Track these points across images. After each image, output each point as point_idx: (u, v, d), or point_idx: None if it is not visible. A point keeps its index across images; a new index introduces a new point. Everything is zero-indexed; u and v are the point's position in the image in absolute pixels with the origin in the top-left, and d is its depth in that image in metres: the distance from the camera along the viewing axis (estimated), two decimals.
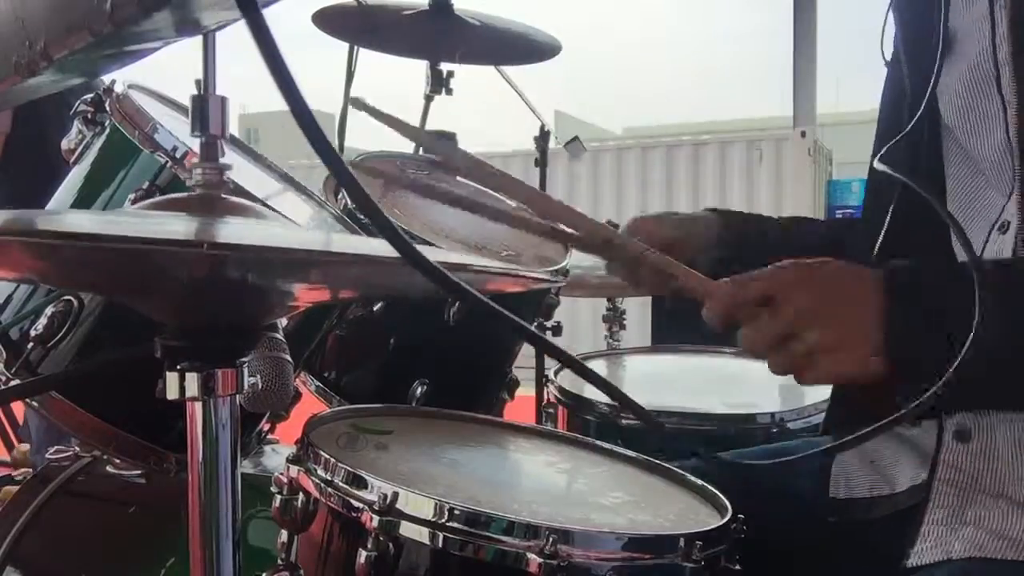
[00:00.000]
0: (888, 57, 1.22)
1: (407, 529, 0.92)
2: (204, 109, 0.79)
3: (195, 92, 0.79)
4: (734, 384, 1.88)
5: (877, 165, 1.11)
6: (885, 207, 1.14)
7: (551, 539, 0.88)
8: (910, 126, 1.11)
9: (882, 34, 1.21)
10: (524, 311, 1.69)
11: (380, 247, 0.67)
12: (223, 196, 0.81)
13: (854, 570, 1.15)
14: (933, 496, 1.06)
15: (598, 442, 1.28)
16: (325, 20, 2.10)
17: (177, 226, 0.74)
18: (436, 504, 0.92)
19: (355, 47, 2.30)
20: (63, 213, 1.06)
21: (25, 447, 2.76)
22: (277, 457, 1.55)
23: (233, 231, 0.74)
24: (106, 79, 1.29)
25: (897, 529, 1.09)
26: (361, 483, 0.96)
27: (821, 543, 1.17)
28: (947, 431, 1.06)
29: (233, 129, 0.84)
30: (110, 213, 1.04)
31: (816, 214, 8.46)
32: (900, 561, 1.05)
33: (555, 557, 0.87)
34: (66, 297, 1.20)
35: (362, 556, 0.91)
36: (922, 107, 1.10)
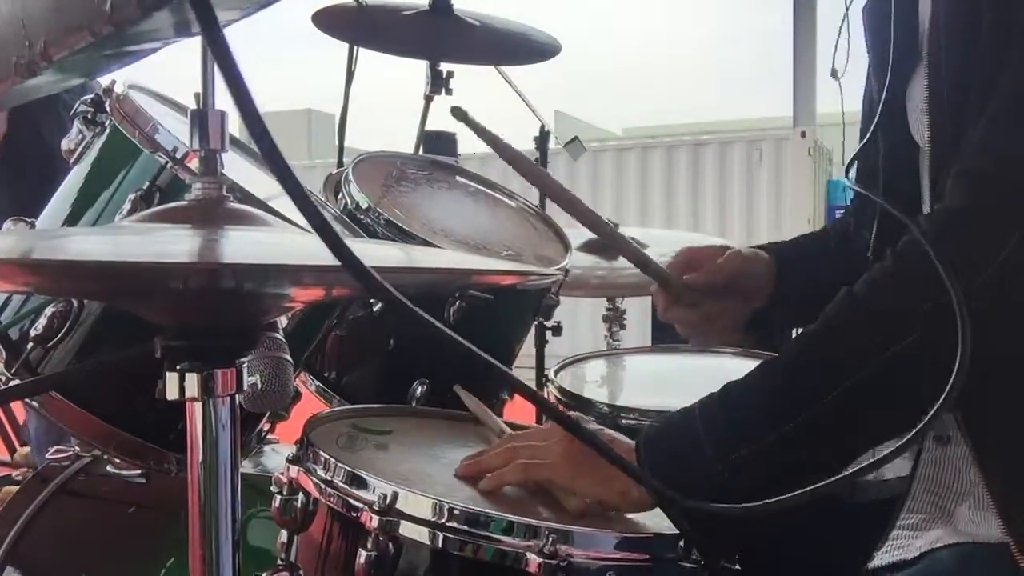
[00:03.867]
0: (841, 71, 1.21)
1: (407, 529, 0.92)
2: (204, 123, 0.79)
3: (194, 107, 0.79)
4: None
5: (847, 179, 1.12)
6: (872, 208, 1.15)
7: (551, 539, 0.88)
8: (866, 138, 1.14)
9: (835, 46, 1.20)
10: (524, 311, 1.69)
11: (378, 253, 0.66)
12: (223, 203, 0.81)
13: (821, 567, 1.16)
14: (908, 501, 1.07)
15: None
16: (325, 20, 2.10)
17: (179, 246, 0.75)
18: (436, 504, 0.92)
19: (355, 47, 2.30)
20: (62, 236, 1.06)
21: (26, 450, 2.77)
22: (277, 457, 1.55)
23: (233, 248, 0.74)
24: (106, 79, 1.29)
25: (868, 528, 1.09)
26: (361, 483, 0.97)
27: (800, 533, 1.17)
28: (927, 436, 1.07)
29: (233, 129, 0.84)
30: (109, 231, 1.04)
31: (816, 214, 8.46)
32: (865, 562, 1.06)
33: (555, 557, 0.87)
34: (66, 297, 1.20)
35: (362, 556, 0.91)
36: (875, 120, 1.12)
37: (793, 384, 0.96)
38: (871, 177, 1.16)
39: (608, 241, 1.33)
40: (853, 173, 1.17)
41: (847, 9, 1.18)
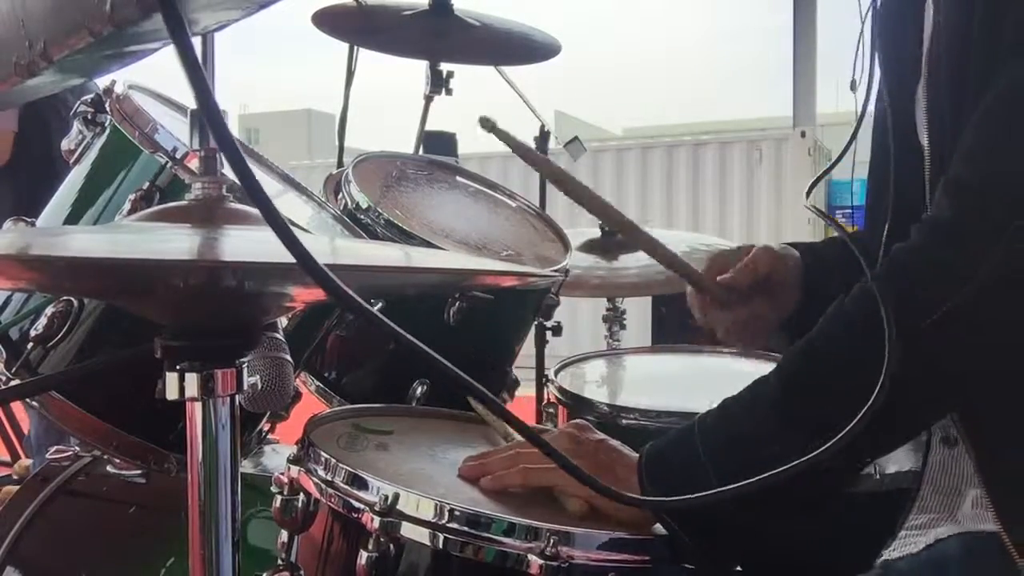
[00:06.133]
0: (862, 80, 1.22)
1: (408, 530, 0.92)
2: (203, 122, 0.79)
3: (194, 107, 0.79)
4: (733, 384, 1.88)
5: (806, 204, 1.12)
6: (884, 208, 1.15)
7: (552, 540, 0.88)
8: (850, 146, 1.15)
9: (855, 57, 1.20)
10: (524, 311, 1.69)
11: (378, 254, 0.66)
12: (223, 203, 0.81)
13: (830, 565, 1.16)
14: (918, 502, 1.08)
15: None
16: (325, 20, 2.10)
17: (178, 243, 0.75)
18: (437, 505, 0.92)
19: (355, 47, 2.30)
20: (63, 234, 1.06)
21: (27, 462, 2.77)
22: (277, 457, 1.55)
23: (233, 245, 0.74)
24: (106, 79, 1.29)
25: (876, 527, 1.10)
26: (362, 484, 0.96)
27: (804, 526, 1.17)
28: (935, 435, 1.07)
29: (233, 130, 0.84)
30: (110, 229, 1.04)
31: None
32: (874, 558, 1.07)
33: (556, 558, 0.87)
34: (66, 297, 1.20)
35: (363, 557, 0.91)
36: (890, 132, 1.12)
37: (788, 401, 0.97)
38: (884, 182, 1.16)
39: (639, 243, 1.33)
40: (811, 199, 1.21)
41: (863, 21, 1.18)
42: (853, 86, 1.22)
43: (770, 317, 1.29)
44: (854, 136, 1.18)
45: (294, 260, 0.55)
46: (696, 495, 0.87)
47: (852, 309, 0.96)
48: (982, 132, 0.94)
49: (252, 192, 0.54)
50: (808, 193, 1.15)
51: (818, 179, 1.21)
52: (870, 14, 1.17)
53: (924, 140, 1.06)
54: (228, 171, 0.84)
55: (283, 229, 0.54)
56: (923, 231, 0.96)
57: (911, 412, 0.96)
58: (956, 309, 0.89)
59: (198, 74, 0.52)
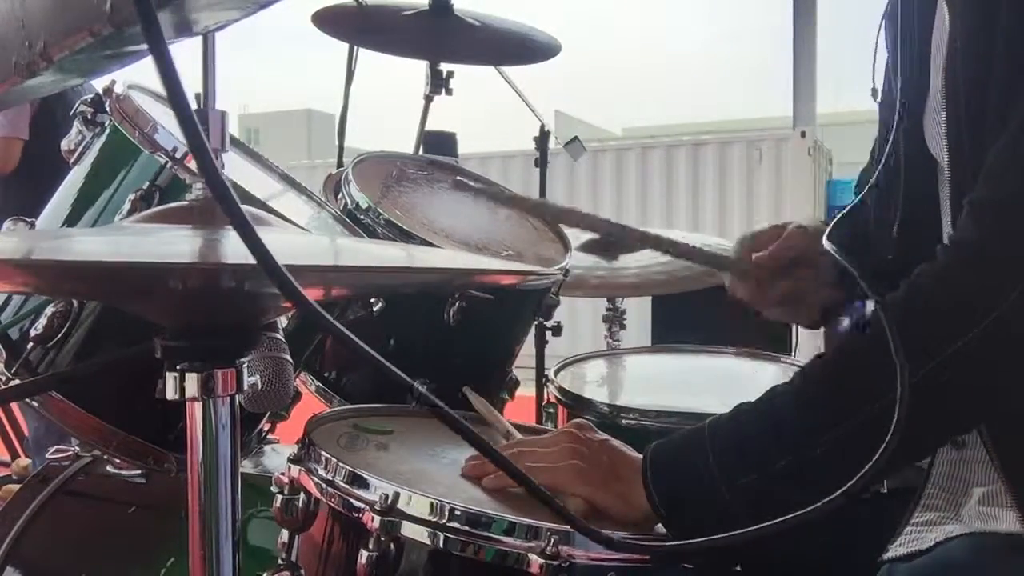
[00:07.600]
0: (878, 85, 1.21)
1: (408, 529, 0.92)
2: (204, 123, 0.79)
3: (195, 106, 0.79)
4: (734, 384, 1.88)
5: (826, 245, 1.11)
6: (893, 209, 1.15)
7: (552, 540, 0.88)
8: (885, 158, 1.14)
9: (874, 61, 1.20)
10: (524, 311, 1.69)
11: (378, 253, 0.66)
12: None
13: (833, 563, 1.16)
14: (923, 500, 1.07)
15: None
16: (325, 20, 2.10)
17: (179, 246, 0.75)
18: (437, 504, 0.92)
19: (355, 47, 2.30)
20: (62, 237, 1.06)
21: (26, 462, 2.78)
22: (277, 457, 1.55)
23: (233, 248, 0.74)
24: (106, 79, 1.29)
25: (879, 526, 1.10)
26: (362, 483, 0.97)
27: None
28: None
29: (233, 130, 0.84)
30: (109, 231, 1.04)
31: (816, 214, 8.46)
32: (878, 555, 1.06)
33: (556, 558, 0.87)
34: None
35: (363, 556, 0.91)
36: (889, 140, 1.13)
37: (803, 414, 0.96)
38: (894, 183, 1.16)
39: (672, 253, 1.35)
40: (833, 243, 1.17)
41: (879, 28, 1.18)
42: (875, 95, 1.22)
43: (811, 289, 1.29)
44: (882, 147, 1.18)
45: (292, 261, 0.55)
46: (713, 537, 0.85)
47: (880, 323, 0.94)
48: (1011, 149, 0.93)
49: (214, 187, 0.54)
50: (829, 234, 1.13)
51: (842, 213, 1.20)
52: (881, 21, 1.16)
53: (943, 154, 1.04)
54: (228, 171, 0.84)
55: (243, 224, 0.54)
56: (948, 252, 0.95)
57: (913, 443, 0.94)
58: (972, 343, 0.88)
59: (169, 70, 0.51)
